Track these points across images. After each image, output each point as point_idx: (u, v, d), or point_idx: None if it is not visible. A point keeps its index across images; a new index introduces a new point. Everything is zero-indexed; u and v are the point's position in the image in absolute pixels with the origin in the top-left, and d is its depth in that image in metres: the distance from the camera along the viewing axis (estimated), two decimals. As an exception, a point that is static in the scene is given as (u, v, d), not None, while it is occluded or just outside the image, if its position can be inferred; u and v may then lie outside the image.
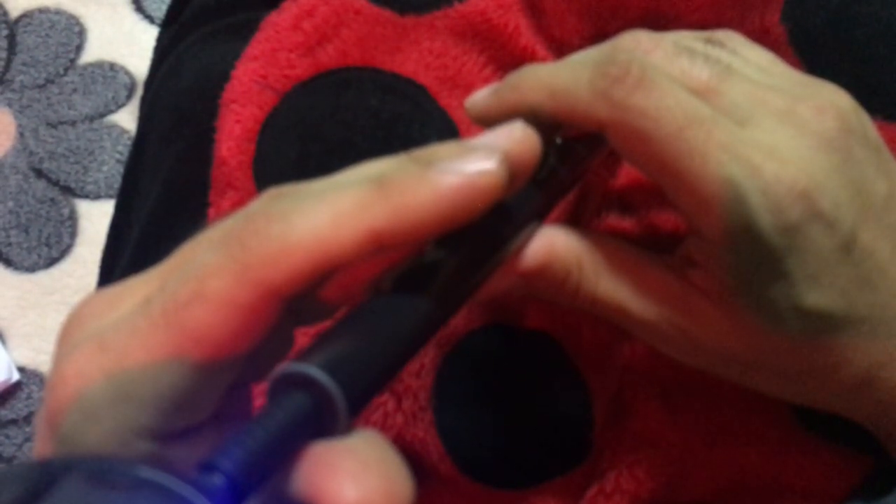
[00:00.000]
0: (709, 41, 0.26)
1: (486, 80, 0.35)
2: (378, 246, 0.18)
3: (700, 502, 0.31)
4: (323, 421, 0.17)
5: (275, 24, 0.36)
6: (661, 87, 0.23)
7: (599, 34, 0.35)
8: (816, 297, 0.23)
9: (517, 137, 0.22)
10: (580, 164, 0.26)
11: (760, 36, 0.34)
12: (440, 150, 0.21)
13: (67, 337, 0.20)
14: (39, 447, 0.19)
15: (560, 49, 0.36)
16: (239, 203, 0.34)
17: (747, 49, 0.26)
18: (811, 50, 0.33)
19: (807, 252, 0.22)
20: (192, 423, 0.19)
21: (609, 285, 0.25)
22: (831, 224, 0.22)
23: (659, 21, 0.35)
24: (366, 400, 0.18)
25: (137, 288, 0.20)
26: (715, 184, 0.22)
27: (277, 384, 0.18)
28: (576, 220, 0.32)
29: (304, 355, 0.18)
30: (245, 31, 0.37)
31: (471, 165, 0.19)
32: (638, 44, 0.24)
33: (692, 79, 0.24)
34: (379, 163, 0.20)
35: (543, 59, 0.35)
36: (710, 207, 0.23)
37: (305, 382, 0.17)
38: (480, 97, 0.26)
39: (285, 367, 0.18)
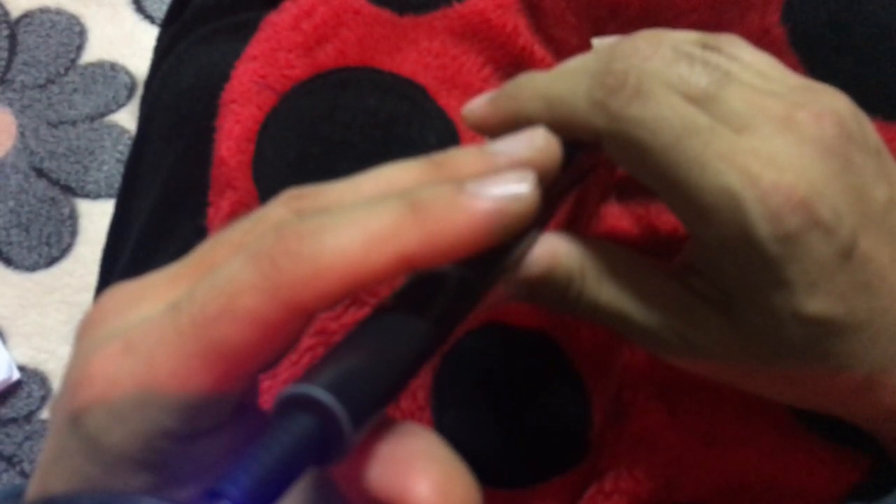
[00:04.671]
0: (707, 45, 0.25)
1: (485, 80, 0.35)
2: (407, 269, 0.18)
3: (699, 502, 0.31)
4: (327, 442, 0.17)
5: (274, 25, 0.36)
6: (658, 96, 0.23)
7: (598, 34, 0.35)
8: (817, 304, 0.23)
9: (539, 146, 0.22)
10: (579, 168, 0.26)
11: (760, 36, 0.34)
12: (466, 163, 0.21)
13: (89, 332, 0.20)
14: (54, 443, 0.19)
15: (558, 49, 0.36)
16: (238, 203, 0.34)
17: (747, 53, 0.25)
18: (811, 50, 0.33)
19: (806, 260, 0.22)
20: (214, 424, 0.19)
21: (611, 292, 0.25)
22: (830, 231, 0.22)
23: (658, 21, 0.35)
24: (371, 419, 0.18)
25: (160, 286, 0.20)
26: (713, 194, 0.22)
27: (282, 405, 0.18)
28: (575, 218, 0.32)
29: (309, 376, 0.18)
30: (245, 31, 0.37)
31: (504, 189, 0.19)
32: (636, 50, 0.24)
33: (690, 85, 0.24)
34: (405, 172, 0.21)
35: (542, 59, 0.35)
36: (709, 217, 0.23)
37: (310, 404, 0.17)
38: (477, 105, 0.26)
39: (290, 388, 0.18)
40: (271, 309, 0.17)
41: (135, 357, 0.18)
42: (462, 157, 0.21)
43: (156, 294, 0.20)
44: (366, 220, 0.18)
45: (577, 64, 0.25)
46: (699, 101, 0.23)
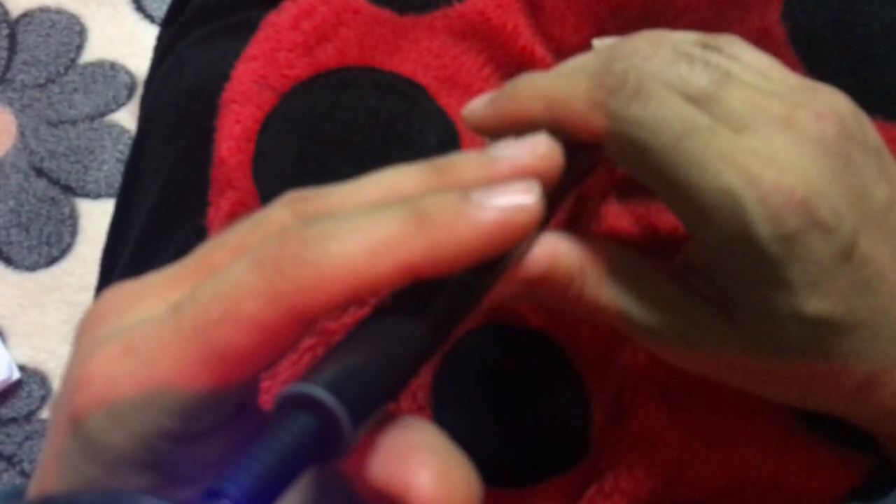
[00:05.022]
0: (708, 45, 0.25)
1: (485, 80, 0.35)
2: (411, 277, 0.18)
3: (699, 502, 0.31)
4: (327, 441, 0.17)
5: (274, 24, 0.36)
6: (658, 96, 0.23)
7: (599, 33, 0.35)
8: (817, 303, 0.23)
9: (542, 152, 0.22)
10: (579, 168, 0.26)
11: (760, 35, 0.34)
12: (468, 168, 0.21)
13: (88, 332, 0.20)
14: (54, 443, 0.19)
15: (559, 48, 0.36)
16: (238, 203, 0.34)
17: (747, 53, 0.25)
18: (811, 49, 0.33)
19: (806, 260, 0.22)
20: (214, 425, 0.20)
21: (611, 292, 0.25)
22: (830, 231, 0.22)
23: (658, 21, 0.35)
24: (370, 418, 0.18)
25: (160, 287, 0.20)
26: (713, 194, 0.22)
27: (282, 404, 0.18)
28: (575, 218, 0.32)
29: (309, 375, 0.18)
30: (245, 31, 0.37)
31: (509, 199, 0.19)
32: (636, 51, 0.24)
33: (690, 85, 0.24)
34: (407, 177, 0.21)
35: (542, 59, 0.35)
36: (709, 217, 0.23)
37: (310, 403, 0.17)
38: (477, 107, 0.26)
39: (291, 388, 0.18)
40: (274, 314, 0.18)
41: (135, 358, 0.18)
42: (464, 163, 0.21)
43: (156, 295, 0.20)
44: (370, 227, 0.18)
45: (577, 64, 0.25)
46: (699, 101, 0.23)
